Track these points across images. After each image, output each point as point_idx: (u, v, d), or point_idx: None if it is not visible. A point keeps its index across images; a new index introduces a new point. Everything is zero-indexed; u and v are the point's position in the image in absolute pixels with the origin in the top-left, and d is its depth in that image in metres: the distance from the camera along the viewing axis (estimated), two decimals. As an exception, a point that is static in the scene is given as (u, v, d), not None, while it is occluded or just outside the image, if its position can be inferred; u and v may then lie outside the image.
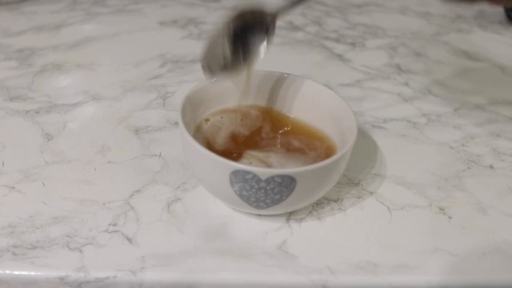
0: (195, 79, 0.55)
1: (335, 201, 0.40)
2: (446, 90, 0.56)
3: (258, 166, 0.37)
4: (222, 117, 0.42)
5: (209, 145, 0.39)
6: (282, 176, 0.32)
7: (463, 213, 0.40)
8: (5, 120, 0.47)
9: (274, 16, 0.39)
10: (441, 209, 0.40)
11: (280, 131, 0.42)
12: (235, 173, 0.32)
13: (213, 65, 0.39)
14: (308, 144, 0.41)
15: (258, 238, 0.36)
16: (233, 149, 0.40)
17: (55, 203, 0.38)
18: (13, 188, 0.39)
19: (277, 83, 0.43)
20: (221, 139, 0.40)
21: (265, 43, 0.39)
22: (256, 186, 0.33)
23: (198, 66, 0.58)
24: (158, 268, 0.33)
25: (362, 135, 0.47)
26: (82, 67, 0.57)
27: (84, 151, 0.43)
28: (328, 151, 0.40)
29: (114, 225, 0.36)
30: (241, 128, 0.42)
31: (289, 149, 0.40)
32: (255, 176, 0.32)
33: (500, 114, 0.52)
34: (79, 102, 0.50)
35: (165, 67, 0.57)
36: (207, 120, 0.42)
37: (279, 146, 0.40)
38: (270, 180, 0.32)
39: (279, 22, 0.72)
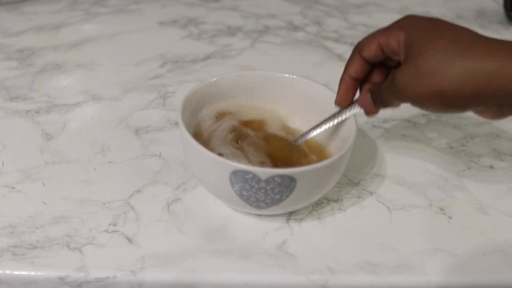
0: (195, 79, 0.55)
1: (335, 201, 0.40)
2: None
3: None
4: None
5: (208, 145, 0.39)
6: (282, 176, 0.32)
7: (463, 213, 0.40)
8: (5, 120, 0.47)
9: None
10: (441, 209, 0.40)
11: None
12: (235, 173, 0.32)
13: None
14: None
15: (258, 238, 0.36)
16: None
17: (55, 203, 0.38)
18: (13, 188, 0.39)
19: (277, 84, 0.43)
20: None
21: None
22: (256, 186, 0.33)
23: (198, 66, 0.59)
24: (158, 268, 0.33)
25: (362, 135, 0.47)
26: (82, 67, 0.56)
27: (84, 151, 0.43)
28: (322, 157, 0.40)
29: (114, 225, 0.36)
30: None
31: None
32: (255, 176, 0.32)
33: (500, 114, 0.52)
34: (79, 102, 0.50)
35: (165, 67, 0.57)
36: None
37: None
38: (270, 180, 0.32)
39: (279, 22, 0.72)
